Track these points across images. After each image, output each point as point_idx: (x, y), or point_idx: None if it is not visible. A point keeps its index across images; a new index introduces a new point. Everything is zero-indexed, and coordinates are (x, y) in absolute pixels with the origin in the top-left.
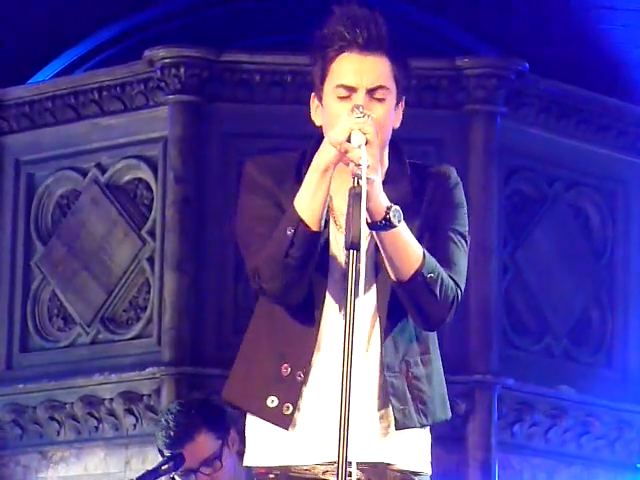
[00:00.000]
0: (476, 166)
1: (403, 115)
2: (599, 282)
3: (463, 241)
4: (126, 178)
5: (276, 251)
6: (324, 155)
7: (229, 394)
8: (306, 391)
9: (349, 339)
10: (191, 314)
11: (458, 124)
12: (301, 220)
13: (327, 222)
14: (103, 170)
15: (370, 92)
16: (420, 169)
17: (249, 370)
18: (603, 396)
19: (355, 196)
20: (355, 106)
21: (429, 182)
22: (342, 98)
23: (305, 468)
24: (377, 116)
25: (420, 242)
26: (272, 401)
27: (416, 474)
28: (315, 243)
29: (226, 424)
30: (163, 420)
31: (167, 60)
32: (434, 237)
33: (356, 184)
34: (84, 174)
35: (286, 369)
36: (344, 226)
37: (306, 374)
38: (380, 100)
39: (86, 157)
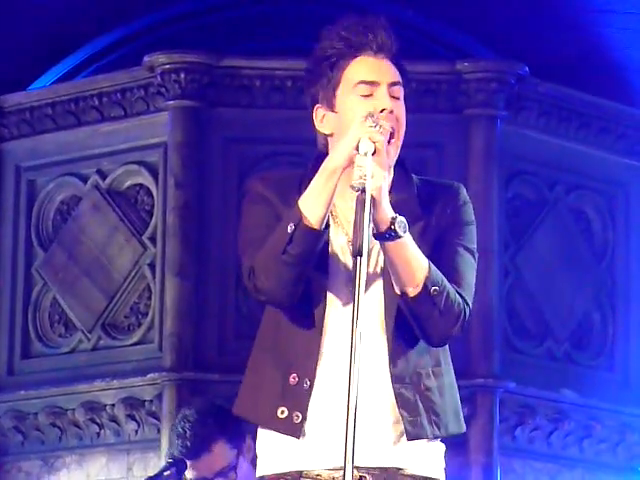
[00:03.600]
0: (476, 170)
1: None
2: (600, 285)
3: (472, 258)
4: (127, 184)
5: (274, 247)
6: (334, 158)
7: (240, 408)
8: (313, 399)
9: (355, 346)
10: (192, 320)
11: (458, 128)
12: (303, 217)
13: (328, 225)
14: (104, 176)
15: (390, 87)
16: (428, 183)
17: (258, 382)
18: (605, 399)
19: (361, 203)
20: (369, 114)
21: (438, 197)
22: (365, 96)
23: (316, 473)
24: (397, 113)
25: (428, 255)
26: (282, 412)
27: None
28: (314, 242)
29: (242, 432)
30: (180, 428)
31: (167, 66)
32: (442, 252)
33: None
34: (85, 180)
35: (294, 378)
36: (351, 233)
37: (312, 381)
38: (397, 98)
39: (87, 163)
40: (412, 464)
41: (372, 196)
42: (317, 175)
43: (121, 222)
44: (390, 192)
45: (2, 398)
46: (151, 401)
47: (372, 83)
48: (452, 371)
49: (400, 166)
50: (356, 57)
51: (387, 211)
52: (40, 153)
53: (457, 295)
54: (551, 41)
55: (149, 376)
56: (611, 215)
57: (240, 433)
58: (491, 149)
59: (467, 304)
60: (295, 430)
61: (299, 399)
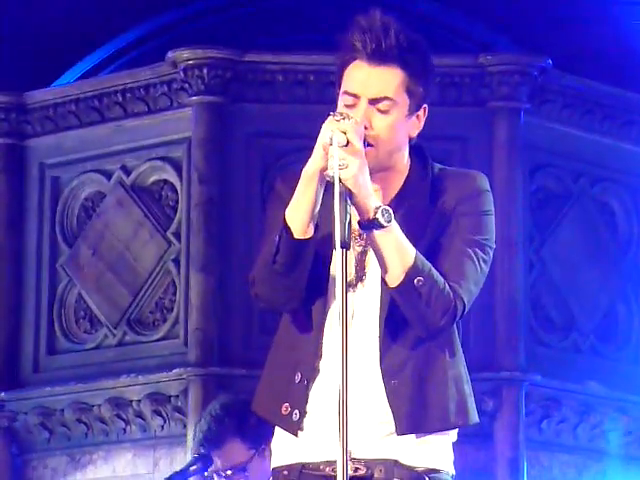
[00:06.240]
0: (500, 163)
1: (427, 112)
2: (625, 277)
3: (480, 252)
4: (151, 179)
5: (266, 257)
6: (311, 161)
7: (255, 405)
8: (312, 396)
9: (344, 339)
10: (217, 315)
11: (482, 121)
12: (286, 226)
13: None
14: (128, 172)
15: (373, 102)
16: (446, 173)
17: (270, 380)
18: (631, 391)
19: (339, 194)
20: (337, 112)
21: (452, 188)
22: (347, 106)
23: (316, 466)
24: (377, 128)
25: (431, 250)
26: (286, 408)
27: (432, 471)
28: (299, 250)
29: (264, 436)
30: (203, 420)
31: (190, 61)
32: (446, 243)
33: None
34: (109, 176)
35: (298, 376)
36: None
37: (309, 380)
38: (383, 112)
39: (111, 159)
40: (410, 456)
41: (347, 186)
42: (300, 180)
43: (145, 218)
44: (403, 191)
45: (28, 395)
46: (177, 396)
47: (354, 95)
48: (460, 363)
49: (417, 156)
50: (354, 61)
51: (367, 201)
52: (64, 150)
53: (447, 287)
54: (575, 33)
55: (174, 371)
56: (636, 207)
57: (261, 437)
58: (515, 142)
59: (460, 298)
60: (294, 427)
61: (299, 396)
